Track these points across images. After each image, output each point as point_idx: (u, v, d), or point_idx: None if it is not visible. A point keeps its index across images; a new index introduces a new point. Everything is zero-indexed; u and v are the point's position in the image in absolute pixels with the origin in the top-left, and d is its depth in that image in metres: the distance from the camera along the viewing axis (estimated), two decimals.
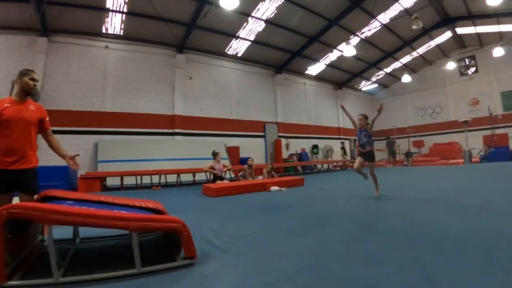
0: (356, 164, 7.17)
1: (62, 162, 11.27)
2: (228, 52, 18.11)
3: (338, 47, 19.19)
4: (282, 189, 9.37)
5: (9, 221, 2.49)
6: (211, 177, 11.04)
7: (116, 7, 13.87)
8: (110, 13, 14.19)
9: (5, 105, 3.24)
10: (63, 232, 3.67)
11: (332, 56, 20.81)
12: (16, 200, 3.21)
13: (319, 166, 20.12)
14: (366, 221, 4.57)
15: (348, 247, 3.35)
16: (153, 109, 15.50)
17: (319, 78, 23.26)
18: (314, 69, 22.25)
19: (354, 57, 19.28)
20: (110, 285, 2.57)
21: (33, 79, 3.42)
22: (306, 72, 22.33)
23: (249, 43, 17.57)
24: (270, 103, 20.19)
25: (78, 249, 3.61)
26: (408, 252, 3.07)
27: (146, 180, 12.12)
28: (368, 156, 7.06)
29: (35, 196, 3.36)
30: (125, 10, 14.00)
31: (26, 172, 3.27)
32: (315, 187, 9.92)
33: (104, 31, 14.87)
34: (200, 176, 12.35)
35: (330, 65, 21.95)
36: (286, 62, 19.97)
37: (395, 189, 8.04)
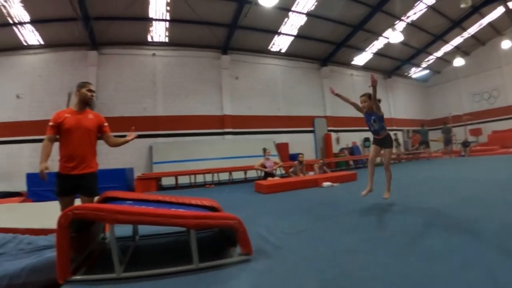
0: (371, 154, 5.88)
1: (119, 165, 11.87)
2: (272, 49, 18.06)
3: (384, 34, 18.47)
4: (334, 184, 9.18)
5: (74, 221, 2.64)
6: (262, 174, 11.06)
7: (159, 16, 14.49)
8: (154, 22, 14.89)
9: (66, 115, 3.51)
10: (123, 230, 3.79)
11: (378, 44, 20.04)
12: (77, 202, 3.40)
13: None
14: (424, 217, 4.33)
15: (407, 244, 3.22)
16: (203, 111, 15.94)
17: (366, 68, 22.39)
18: (361, 59, 21.51)
19: (402, 43, 18.43)
20: (169, 280, 2.65)
21: (90, 90, 3.67)
22: (353, 62, 21.65)
23: (292, 38, 17.41)
24: (318, 97, 19.88)
25: (138, 246, 3.77)
26: (471, 249, 2.89)
27: (199, 179, 12.50)
28: (385, 142, 5.67)
29: (96, 198, 3.58)
30: (167, 18, 14.63)
31: (86, 176, 3.48)
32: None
33: (150, 39, 15.61)
34: (251, 174, 12.40)
35: (377, 54, 21.14)
36: (331, 54, 19.55)
37: (454, 183, 7.62)
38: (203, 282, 2.58)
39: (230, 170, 12.67)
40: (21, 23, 14.63)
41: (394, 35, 16.13)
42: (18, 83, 15.43)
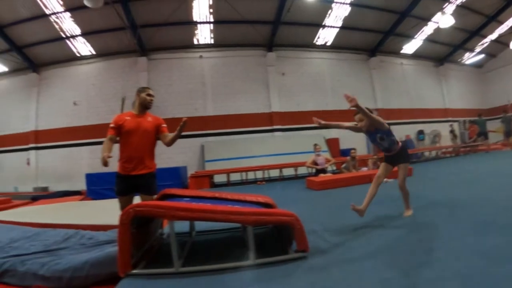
0: (379, 171, 4.66)
1: (173, 164, 12.20)
2: (317, 43, 17.72)
3: (433, 19, 17.49)
4: (389, 180, 8.73)
5: (134, 218, 2.77)
6: (314, 171, 10.90)
7: (203, 19, 14.91)
8: (199, 25, 15.35)
9: (126, 118, 3.68)
10: (179, 226, 3.85)
11: (428, 29, 18.86)
12: (137, 199, 3.55)
13: (426, 153, 18.57)
14: (487, 214, 3.99)
15: (467, 243, 3.01)
16: (251, 109, 16.07)
17: (416, 56, 21.20)
18: (410, 47, 20.38)
19: (452, 27, 17.30)
20: (226, 276, 2.69)
21: (149, 95, 3.80)
22: (402, 51, 20.58)
23: (337, 29, 17.01)
24: (367, 89, 19.04)
25: (194, 241, 3.88)
26: None
27: (250, 176, 12.63)
28: (399, 157, 4.58)
29: (155, 196, 3.75)
30: (211, 20, 14.94)
31: (145, 176, 3.61)
32: (425, 177, 9.09)
33: (196, 42, 16.09)
34: (302, 170, 12.29)
35: (427, 40, 19.96)
36: (378, 44, 18.80)
37: None
38: (260, 278, 2.61)
39: (281, 167, 12.61)
40: (73, 36, 15.89)
41: (444, 19, 15.31)
42: (74, 91, 16.75)
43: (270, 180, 12.38)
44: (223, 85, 15.97)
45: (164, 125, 3.85)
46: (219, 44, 16.20)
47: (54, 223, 5.06)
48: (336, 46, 18.20)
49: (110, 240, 3.61)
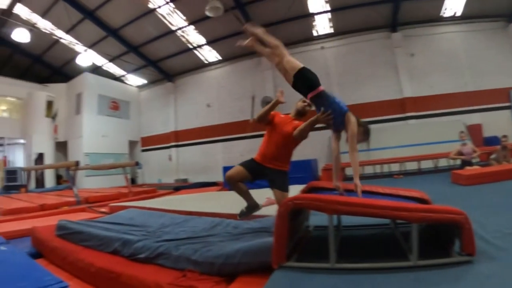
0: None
1: (301, 157, 12.50)
2: (444, 15, 15.48)
3: None
4: None
5: (292, 211, 2.74)
6: (459, 162, 9.80)
7: (319, 9, 14.73)
8: (316, 16, 15.25)
9: (281, 115, 3.82)
10: (319, 219, 3.81)
11: None
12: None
13: None
14: None
15: None
16: (380, 96, 15.25)
17: None
18: None
19: None
20: (386, 276, 2.47)
21: (304, 101, 3.85)
22: None
23: None
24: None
25: (343, 236, 3.65)
26: None
27: (383, 168, 12.14)
28: None
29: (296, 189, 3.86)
30: (328, 8, 14.62)
31: (275, 171, 3.64)
32: None
33: (315, 34, 15.90)
34: (442, 162, 11.34)
35: None
36: None
37: None
38: (424, 281, 2.37)
39: (419, 159, 11.71)
40: (199, 46, 17.84)
41: None
42: (206, 94, 18.62)
43: (407, 173, 11.59)
44: (349, 74, 15.51)
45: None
46: (339, 32, 15.85)
47: (199, 211, 5.50)
48: (467, 16, 15.37)
49: (255, 229, 3.76)
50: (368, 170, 12.15)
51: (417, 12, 15.18)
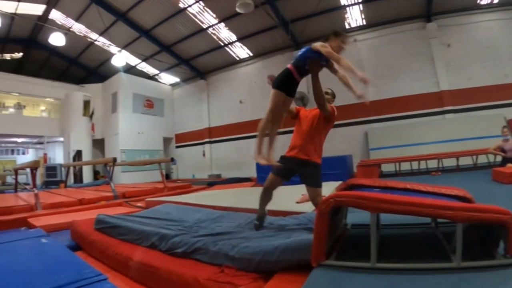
0: None
1: (335, 153, 12.53)
2: (481, 2, 14.47)
3: None
4: None
5: (333, 208, 2.68)
6: (499, 160, 9.29)
7: (351, 1, 14.42)
8: (348, 9, 14.93)
9: (305, 109, 3.87)
10: (357, 217, 3.76)
11: None
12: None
13: None
14: None
15: None
16: (416, 89, 14.56)
17: None
18: None
19: None
20: (428, 277, 2.38)
21: (326, 93, 3.79)
22: None
23: None
24: None
25: (382, 235, 3.47)
26: None
27: (419, 165, 11.58)
28: None
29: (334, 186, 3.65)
30: (359, 0, 14.25)
31: (306, 164, 3.61)
32: None
33: (347, 26, 15.63)
34: (481, 159, 10.76)
35: None
36: None
37: None
38: (468, 284, 2.23)
39: (458, 155, 11.01)
40: (230, 43, 17.90)
41: None
42: (239, 91, 18.76)
43: (444, 170, 11.07)
44: (383, 67, 14.97)
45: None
46: (372, 24, 15.38)
47: (234, 206, 5.46)
48: (506, 3, 14.38)
49: (291, 226, 3.71)
50: (405, 166, 11.54)
51: (452, 1, 14.48)
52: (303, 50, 3.36)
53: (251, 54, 18.27)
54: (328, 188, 6.55)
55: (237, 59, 18.86)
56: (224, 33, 17.02)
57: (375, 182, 3.71)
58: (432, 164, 11.43)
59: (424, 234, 3.49)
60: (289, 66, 3.41)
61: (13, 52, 20.92)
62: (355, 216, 3.86)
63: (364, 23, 15.48)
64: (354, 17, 15.28)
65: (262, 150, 3.60)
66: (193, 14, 15.94)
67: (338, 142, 14.58)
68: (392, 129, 14.22)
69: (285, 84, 3.42)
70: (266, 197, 3.72)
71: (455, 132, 13.16)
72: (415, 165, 11.54)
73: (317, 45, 3.23)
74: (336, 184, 7.21)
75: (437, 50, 14.55)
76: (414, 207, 2.54)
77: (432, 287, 2.22)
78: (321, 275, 2.52)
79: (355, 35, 15.49)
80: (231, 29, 16.62)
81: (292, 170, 3.68)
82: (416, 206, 2.54)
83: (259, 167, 12.45)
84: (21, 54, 21.25)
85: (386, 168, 11.97)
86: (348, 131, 15.03)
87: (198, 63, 20.05)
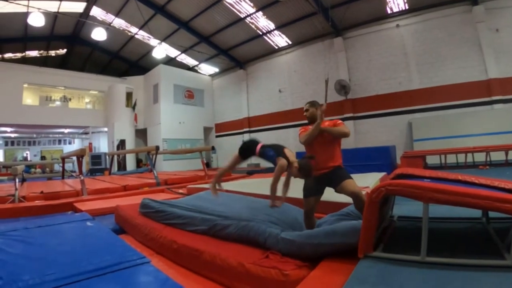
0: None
1: (377, 144, 12.91)
2: None
3: None
4: None
5: (383, 198, 2.61)
6: None
7: None
8: None
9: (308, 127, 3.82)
10: (410, 209, 3.70)
11: None
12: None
13: None
14: None
15: None
16: (462, 77, 13.50)
17: None
18: None
19: None
20: (476, 273, 2.27)
21: (306, 110, 3.97)
22: None
23: None
24: None
25: (430, 229, 3.09)
26: None
27: (463, 158, 11.13)
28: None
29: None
30: None
31: (331, 172, 3.58)
32: None
33: (389, 11, 15.06)
34: None
35: None
36: None
37: None
38: None
39: (508, 148, 10.35)
40: (269, 32, 17.73)
41: None
42: (278, 80, 18.70)
43: (492, 164, 10.50)
44: (427, 53, 14.18)
45: (339, 122, 3.83)
46: (414, 8, 14.56)
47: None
48: None
49: (335, 215, 3.69)
50: (450, 159, 11.13)
51: None
52: (272, 153, 3.81)
53: (290, 42, 18.02)
54: (371, 179, 6.50)
55: (276, 47, 18.66)
56: (262, 22, 16.89)
57: (426, 172, 3.58)
58: (479, 157, 10.93)
59: (474, 229, 3.36)
60: (259, 145, 3.95)
61: (57, 49, 21.87)
62: (400, 209, 3.86)
63: (407, 7, 14.77)
64: (396, 0, 14.70)
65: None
66: (230, 4, 15.93)
67: (380, 133, 14.34)
68: (436, 120, 13.48)
69: (246, 153, 4.13)
70: (311, 223, 3.61)
71: (505, 124, 12.18)
72: (460, 158, 11.16)
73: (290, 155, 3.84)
74: (379, 175, 7.29)
75: (485, 36, 13.38)
76: (470, 198, 2.40)
77: (483, 285, 2.11)
78: (369, 266, 2.47)
79: (397, 20, 14.91)
80: (269, 17, 16.45)
81: (322, 187, 3.66)
82: (473, 198, 2.39)
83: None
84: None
85: (431, 160, 11.65)
86: (390, 121, 14.52)
87: (237, 53, 20.10)
